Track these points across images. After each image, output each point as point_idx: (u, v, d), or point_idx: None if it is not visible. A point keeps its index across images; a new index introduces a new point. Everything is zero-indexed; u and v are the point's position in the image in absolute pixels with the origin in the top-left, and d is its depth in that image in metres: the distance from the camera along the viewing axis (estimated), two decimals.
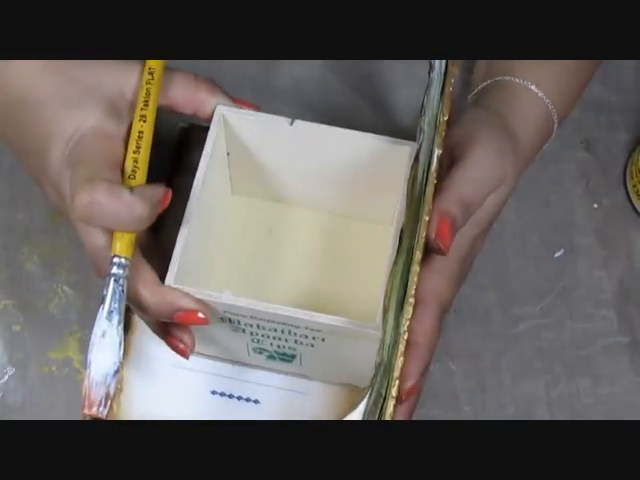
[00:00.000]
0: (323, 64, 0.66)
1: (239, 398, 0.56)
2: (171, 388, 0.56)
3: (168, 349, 0.56)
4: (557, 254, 0.62)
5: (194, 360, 0.56)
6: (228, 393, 0.56)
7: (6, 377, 0.57)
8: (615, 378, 0.59)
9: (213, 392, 0.56)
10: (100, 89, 0.49)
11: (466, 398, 0.58)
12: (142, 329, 0.57)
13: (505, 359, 0.59)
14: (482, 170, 0.51)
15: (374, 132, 0.63)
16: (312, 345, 0.50)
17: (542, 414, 0.58)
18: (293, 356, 0.53)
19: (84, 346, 0.58)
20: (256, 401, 0.56)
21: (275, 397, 0.56)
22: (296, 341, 0.50)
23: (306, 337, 0.49)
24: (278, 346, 0.52)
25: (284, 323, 0.48)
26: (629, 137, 0.66)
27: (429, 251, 0.50)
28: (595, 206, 0.63)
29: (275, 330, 0.50)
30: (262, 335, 0.51)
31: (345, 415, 0.54)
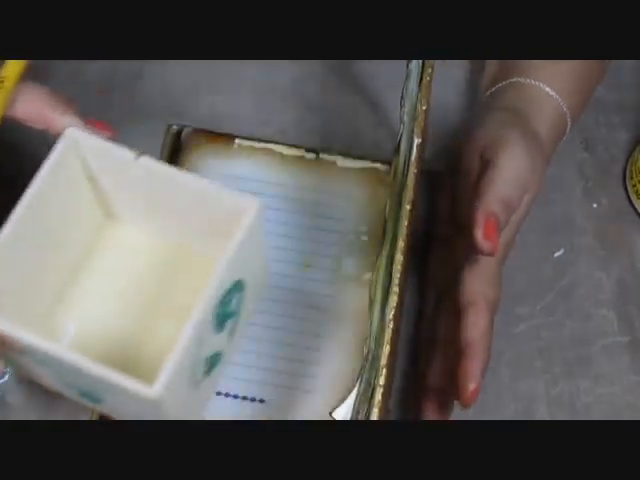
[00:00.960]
0: (323, 64, 0.66)
1: (244, 398, 0.56)
2: None
3: None
4: (557, 254, 0.62)
5: None
6: (233, 393, 0.56)
7: (6, 377, 0.57)
8: (615, 378, 0.59)
9: (218, 393, 0.56)
10: None
11: None
12: None
13: (505, 358, 0.59)
14: (517, 171, 0.52)
15: (374, 132, 0.64)
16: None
17: (542, 413, 0.58)
18: (98, 400, 0.48)
19: None
20: (261, 400, 0.56)
21: (281, 396, 0.56)
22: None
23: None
24: (79, 385, 0.47)
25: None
26: (629, 137, 0.66)
27: (472, 255, 0.51)
28: (595, 206, 0.64)
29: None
30: (59, 372, 0.46)
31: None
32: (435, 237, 0.59)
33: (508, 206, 0.51)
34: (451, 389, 0.52)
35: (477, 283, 0.52)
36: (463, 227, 0.52)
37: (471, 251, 0.51)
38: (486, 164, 0.52)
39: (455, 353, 0.51)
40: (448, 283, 0.55)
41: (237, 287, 0.47)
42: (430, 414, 0.54)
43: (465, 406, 0.50)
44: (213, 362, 0.48)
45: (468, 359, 0.50)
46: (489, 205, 0.50)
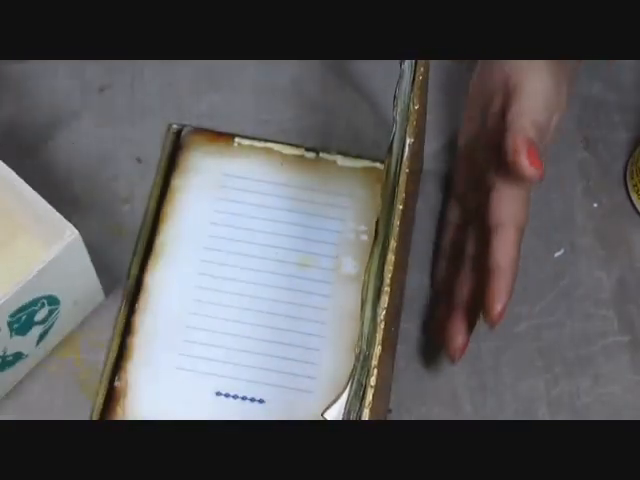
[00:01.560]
0: (323, 64, 0.66)
1: (244, 398, 0.56)
2: (175, 391, 0.56)
3: (171, 351, 0.57)
4: (557, 254, 0.62)
5: (197, 362, 0.57)
6: (232, 394, 0.56)
7: None
8: (615, 377, 0.59)
9: (218, 393, 0.56)
10: None
11: (466, 397, 0.58)
12: (144, 332, 0.57)
13: (505, 358, 0.59)
14: (544, 95, 0.52)
15: (374, 131, 0.64)
16: None
17: (542, 413, 0.58)
18: None
19: (85, 346, 0.58)
20: (261, 400, 0.56)
21: (280, 396, 0.56)
22: None
23: None
24: None
25: None
26: (629, 136, 0.66)
27: (499, 178, 0.52)
28: (595, 206, 0.63)
29: None
30: None
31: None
32: (461, 155, 0.60)
33: (541, 130, 0.51)
34: (477, 307, 0.53)
35: (507, 205, 0.52)
36: (495, 153, 0.52)
37: (505, 176, 0.52)
38: (513, 91, 0.52)
39: (483, 272, 0.52)
40: (477, 202, 0.56)
41: (47, 301, 0.52)
42: (455, 332, 0.55)
43: (492, 326, 0.51)
44: (10, 361, 0.53)
45: (496, 280, 0.51)
46: (527, 132, 0.50)
